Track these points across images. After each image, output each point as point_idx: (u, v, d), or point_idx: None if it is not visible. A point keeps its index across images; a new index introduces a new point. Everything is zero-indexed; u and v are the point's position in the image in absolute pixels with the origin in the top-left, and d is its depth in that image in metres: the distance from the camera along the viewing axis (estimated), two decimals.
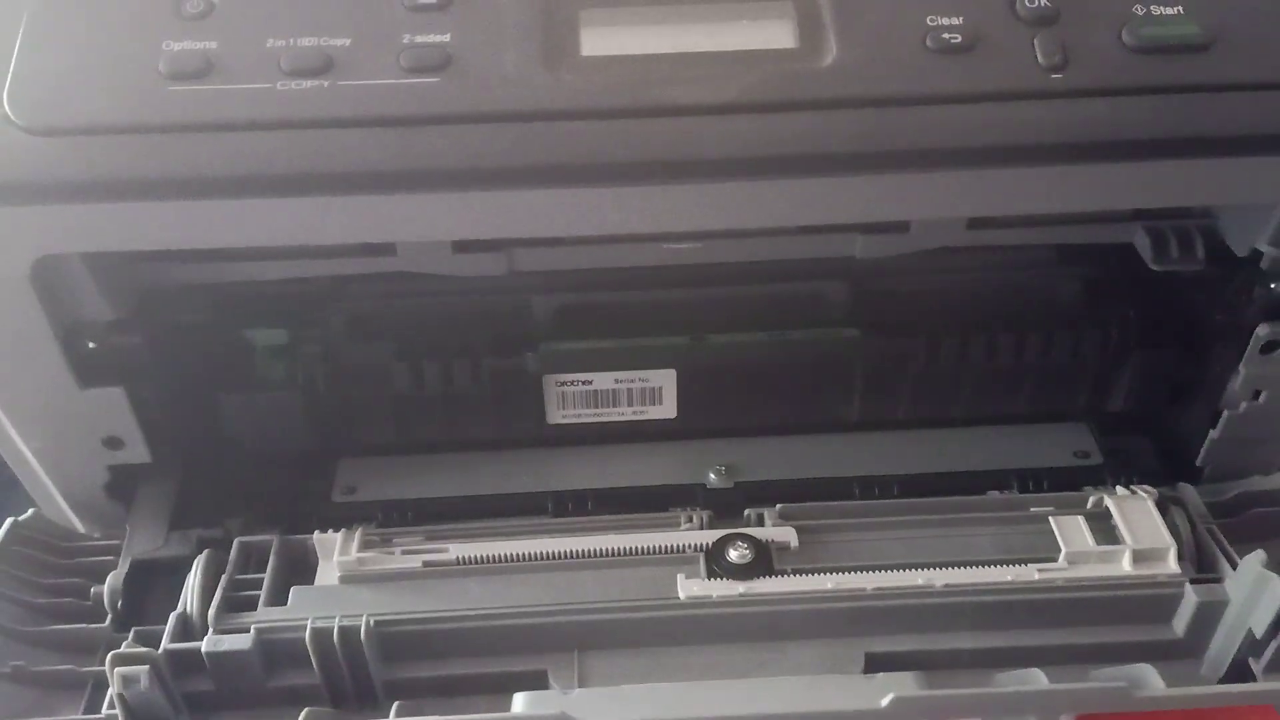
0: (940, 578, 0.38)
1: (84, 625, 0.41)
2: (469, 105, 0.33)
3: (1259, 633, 0.36)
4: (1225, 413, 0.43)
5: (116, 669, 0.36)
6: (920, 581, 0.38)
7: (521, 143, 0.33)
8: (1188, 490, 0.42)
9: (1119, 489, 0.42)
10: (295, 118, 0.33)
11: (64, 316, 0.38)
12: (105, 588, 0.41)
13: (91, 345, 0.40)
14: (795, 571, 0.39)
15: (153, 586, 0.42)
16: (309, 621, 0.37)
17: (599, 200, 0.34)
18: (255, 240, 0.35)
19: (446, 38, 0.34)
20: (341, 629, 0.37)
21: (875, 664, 0.38)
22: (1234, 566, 0.38)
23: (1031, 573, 0.38)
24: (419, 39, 0.34)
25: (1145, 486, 0.41)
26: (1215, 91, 0.33)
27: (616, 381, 0.45)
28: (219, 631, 0.38)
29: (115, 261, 0.37)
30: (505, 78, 0.33)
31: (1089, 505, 0.41)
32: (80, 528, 0.45)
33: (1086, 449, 0.47)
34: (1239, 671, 0.38)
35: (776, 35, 0.34)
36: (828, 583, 0.39)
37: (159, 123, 0.33)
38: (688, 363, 0.45)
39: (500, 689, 0.38)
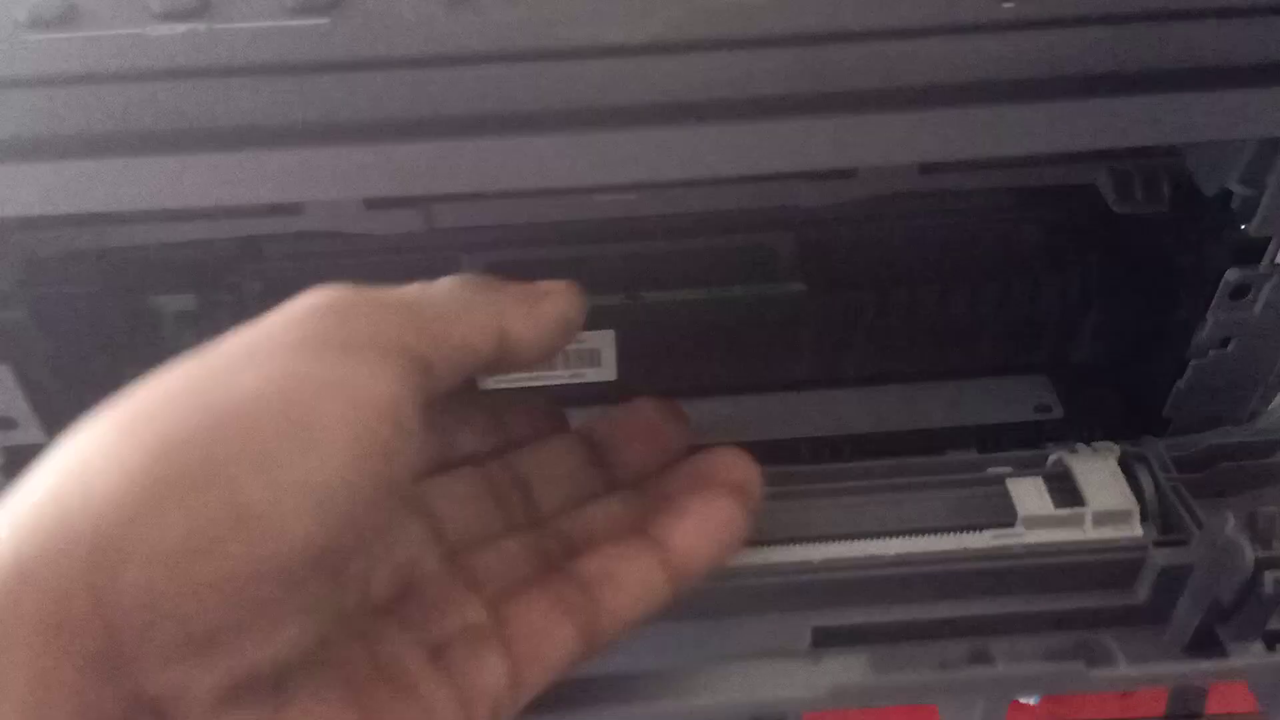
0: (890, 547, 0.36)
1: None
2: (360, 49, 0.30)
3: (1225, 599, 0.34)
4: (1192, 362, 0.40)
5: None
6: (870, 552, 0.36)
7: (419, 90, 0.30)
8: (1153, 444, 0.40)
9: (1080, 446, 0.39)
10: (167, 66, 0.30)
11: None
12: None
13: None
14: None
15: None
16: None
17: (508, 153, 0.31)
18: (131, 204, 0.31)
19: None
20: None
21: (823, 638, 0.36)
22: (1199, 526, 0.36)
23: (986, 539, 0.36)
24: None
25: (1108, 443, 0.39)
26: (1180, 20, 0.30)
27: None
28: None
29: None
30: (401, 17, 0.30)
31: (1048, 465, 0.38)
32: None
33: (1048, 403, 0.45)
34: (1205, 637, 0.36)
35: None
36: (773, 555, 0.36)
37: (16, 76, 0.30)
38: (626, 322, 0.42)
39: None
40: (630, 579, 0.29)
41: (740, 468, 0.32)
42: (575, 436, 0.34)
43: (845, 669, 0.33)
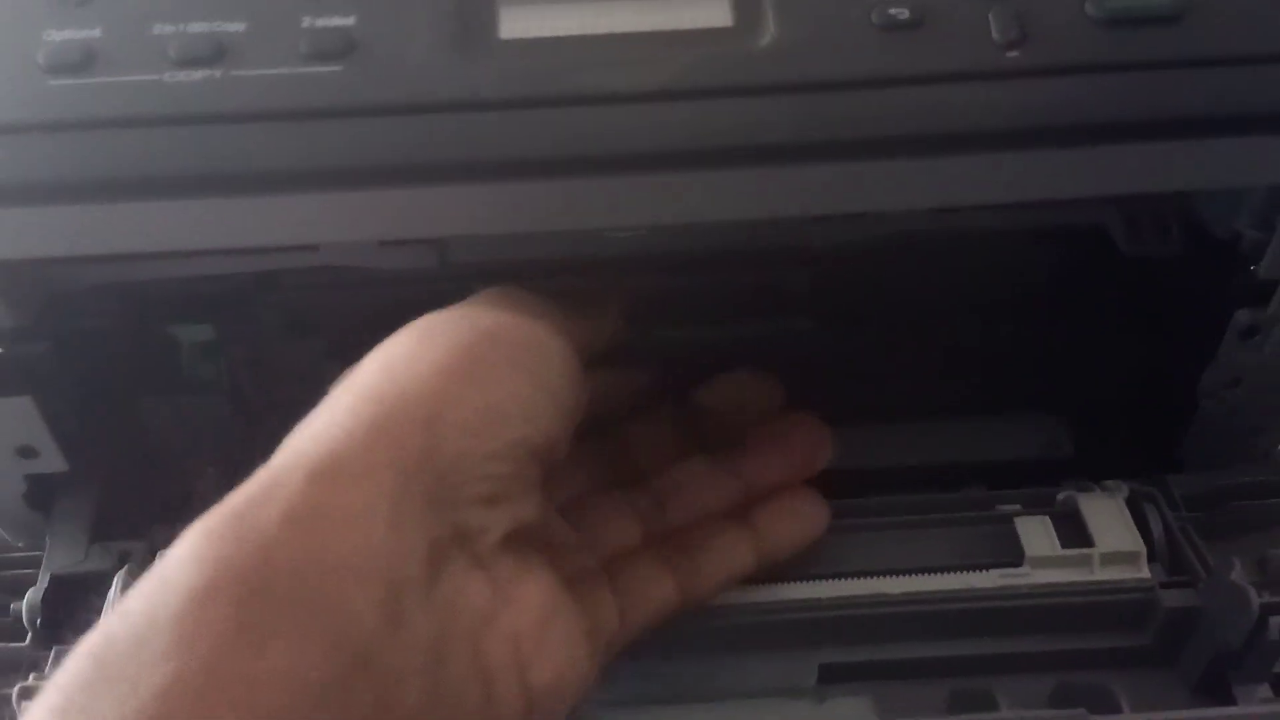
0: (897, 585, 0.36)
1: (4, 644, 0.39)
2: (373, 96, 0.30)
3: (1232, 644, 0.34)
4: (1203, 401, 0.40)
5: (23, 702, 0.34)
6: (877, 590, 0.36)
7: (431, 137, 0.30)
8: (1164, 483, 0.40)
9: (1090, 485, 0.39)
10: (184, 112, 0.30)
11: None
12: (24, 604, 0.39)
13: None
14: (746, 580, 0.37)
15: (77, 601, 0.40)
16: None
17: (517, 197, 0.31)
18: (149, 246, 0.32)
19: (350, 21, 0.31)
20: None
21: (829, 675, 0.36)
22: (1208, 570, 0.36)
23: (993, 579, 0.36)
24: (319, 23, 0.31)
25: (1117, 482, 0.39)
26: (1187, 67, 0.30)
27: None
28: None
29: (10, 267, 0.35)
30: (414, 65, 0.31)
31: (1057, 503, 0.38)
32: (9, 539, 0.43)
33: (1059, 441, 0.45)
34: (1214, 681, 0.36)
35: (711, 13, 0.31)
36: (782, 592, 0.37)
37: (36, 120, 0.30)
38: (634, 357, 0.42)
39: None
40: (725, 552, 0.36)
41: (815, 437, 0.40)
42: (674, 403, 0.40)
43: (850, 711, 0.33)
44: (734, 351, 0.42)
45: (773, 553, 0.36)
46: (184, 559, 0.24)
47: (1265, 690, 0.35)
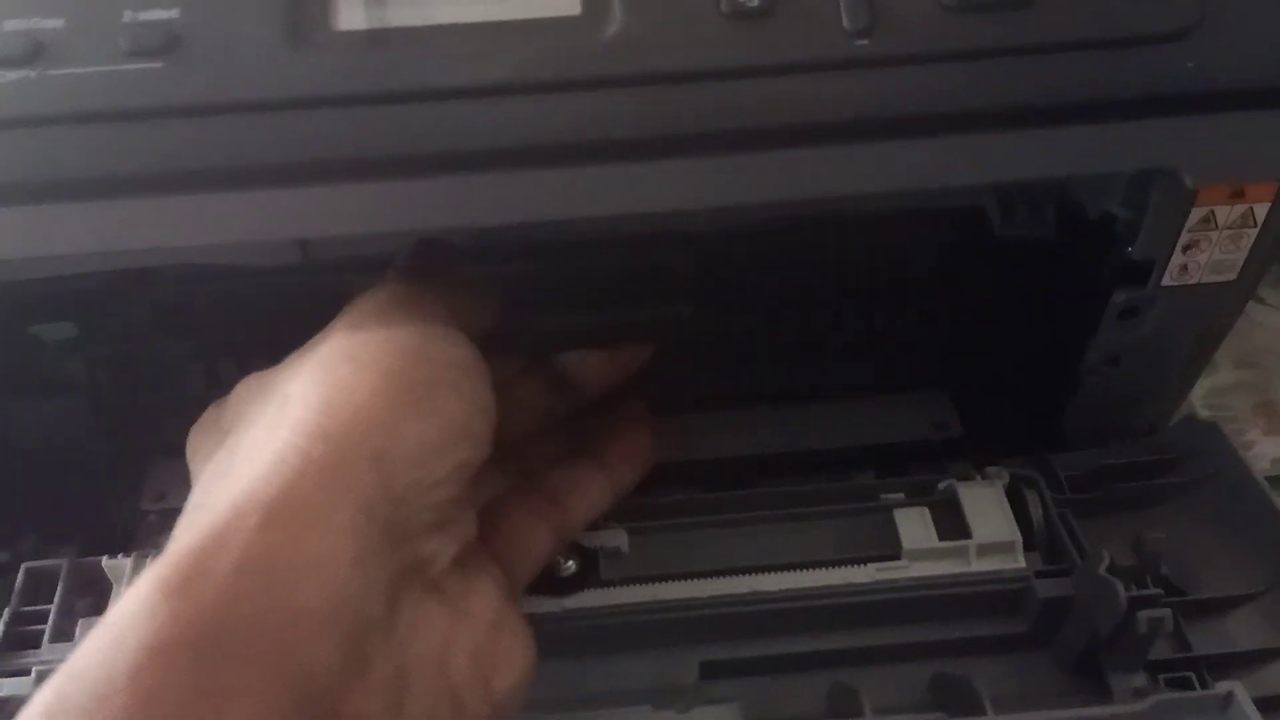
0: (775, 582, 0.36)
1: None
2: (196, 94, 0.29)
3: (1103, 634, 0.34)
4: (1085, 378, 0.40)
5: None
6: (756, 587, 0.36)
7: (257, 137, 0.29)
8: (1047, 464, 0.40)
9: (973, 472, 0.39)
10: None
11: None
12: None
13: None
14: (625, 581, 0.36)
15: None
16: None
17: (358, 197, 0.29)
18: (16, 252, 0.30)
19: (174, 14, 0.29)
20: None
21: (711, 672, 0.36)
22: (1083, 556, 0.36)
23: (870, 573, 0.36)
24: (141, 16, 0.29)
25: (999, 468, 0.39)
26: (1039, 53, 0.29)
27: None
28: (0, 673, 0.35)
29: None
30: (242, 59, 0.29)
31: (938, 492, 0.38)
32: None
33: (948, 420, 0.44)
34: (1087, 664, 0.36)
35: (558, 1, 0.30)
36: (661, 592, 0.36)
37: None
38: (515, 345, 0.41)
39: None
40: (588, 488, 0.36)
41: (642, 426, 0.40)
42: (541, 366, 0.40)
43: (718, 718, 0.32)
44: (615, 338, 0.41)
45: (621, 484, 0.38)
46: (137, 613, 0.23)
47: (1140, 678, 0.35)
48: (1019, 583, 0.36)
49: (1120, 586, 0.32)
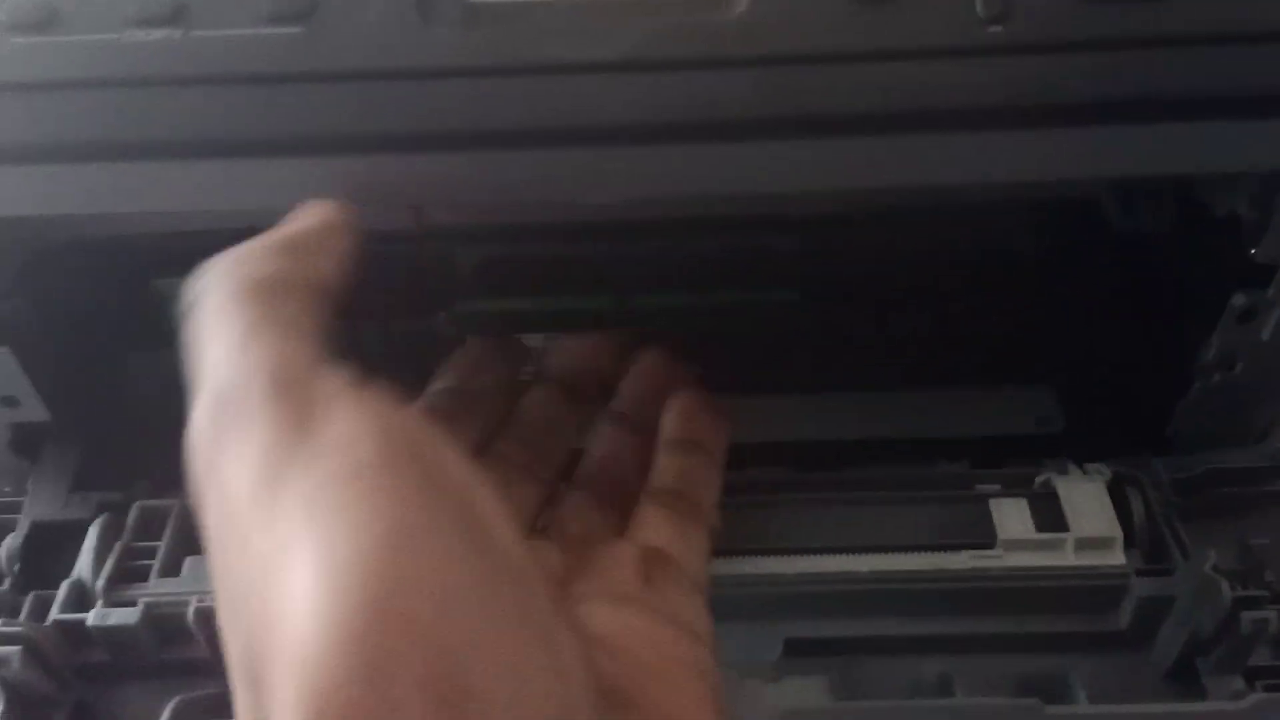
0: (866, 563, 0.36)
1: None
2: (334, 60, 0.29)
3: (1204, 634, 0.33)
4: (1197, 382, 0.39)
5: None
6: (846, 567, 0.36)
7: (389, 105, 0.29)
8: (1149, 466, 0.39)
9: (1072, 467, 0.38)
10: (142, 73, 0.30)
11: None
12: (3, 549, 0.40)
13: None
14: (715, 554, 0.37)
15: (58, 548, 0.40)
16: (193, 600, 0.36)
17: (480, 166, 0.30)
18: (113, 208, 0.32)
19: None
20: None
21: (795, 649, 0.36)
22: (1186, 557, 0.35)
23: (964, 560, 0.36)
24: None
25: (1100, 465, 0.38)
26: (1176, 46, 0.28)
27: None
28: (109, 603, 0.37)
29: None
30: (374, 29, 0.30)
31: (1036, 485, 0.38)
32: None
33: (1050, 415, 0.44)
34: (1184, 668, 0.35)
35: None
36: (748, 566, 0.36)
37: (2, 80, 0.30)
38: (614, 325, 0.42)
39: None
40: (703, 476, 0.34)
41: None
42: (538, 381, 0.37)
43: (803, 692, 0.33)
44: (717, 320, 0.41)
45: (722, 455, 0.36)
46: None
47: (1238, 682, 0.34)
48: (1118, 579, 0.35)
49: (1226, 585, 0.32)
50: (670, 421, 0.35)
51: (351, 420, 0.22)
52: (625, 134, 0.30)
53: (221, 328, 0.24)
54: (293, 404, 0.22)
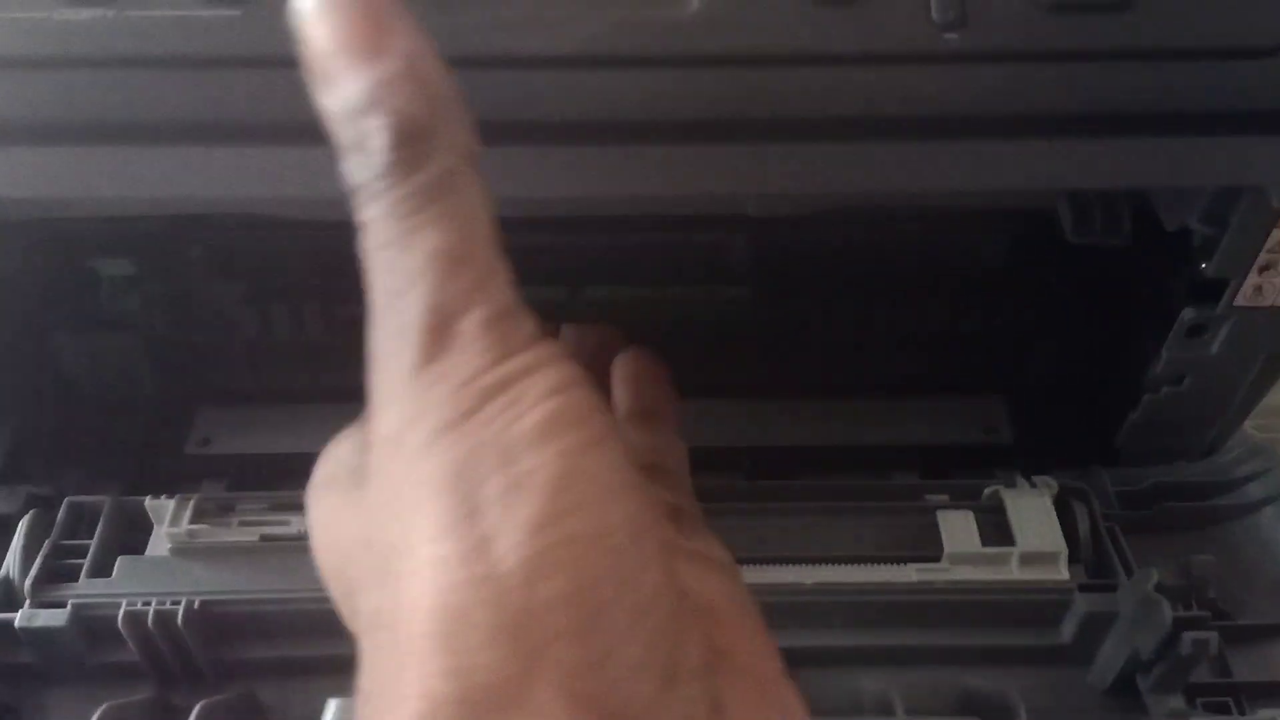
0: (812, 575, 0.36)
1: None
2: (273, 44, 0.28)
3: (1144, 654, 0.33)
4: (1146, 395, 0.39)
5: None
6: (790, 579, 0.36)
7: None
8: (1098, 477, 0.39)
9: (1021, 480, 0.38)
10: (71, 54, 0.28)
11: None
12: None
13: None
14: None
15: None
16: (123, 603, 0.34)
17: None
18: (46, 191, 0.30)
19: None
20: (158, 612, 0.34)
21: None
22: (1130, 573, 0.35)
23: (910, 573, 0.36)
24: None
25: (1048, 478, 0.38)
26: (1135, 59, 0.28)
27: None
28: (36, 604, 0.36)
29: None
30: None
31: (984, 497, 0.38)
32: None
33: (997, 425, 0.44)
34: (1126, 685, 0.35)
35: None
36: None
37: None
38: (563, 317, 0.41)
39: (337, 671, 0.36)
40: (672, 446, 0.31)
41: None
42: None
43: None
44: (666, 315, 0.41)
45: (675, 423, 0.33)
46: None
47: (1178, 700, 0.34)
48: (1061, 594, 0.35)
49: (1167, 605, 0.32)
50: (621, 391, 0.33)
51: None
52: (575, 131, 0.29)
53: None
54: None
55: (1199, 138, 0.29)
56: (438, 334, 0.21)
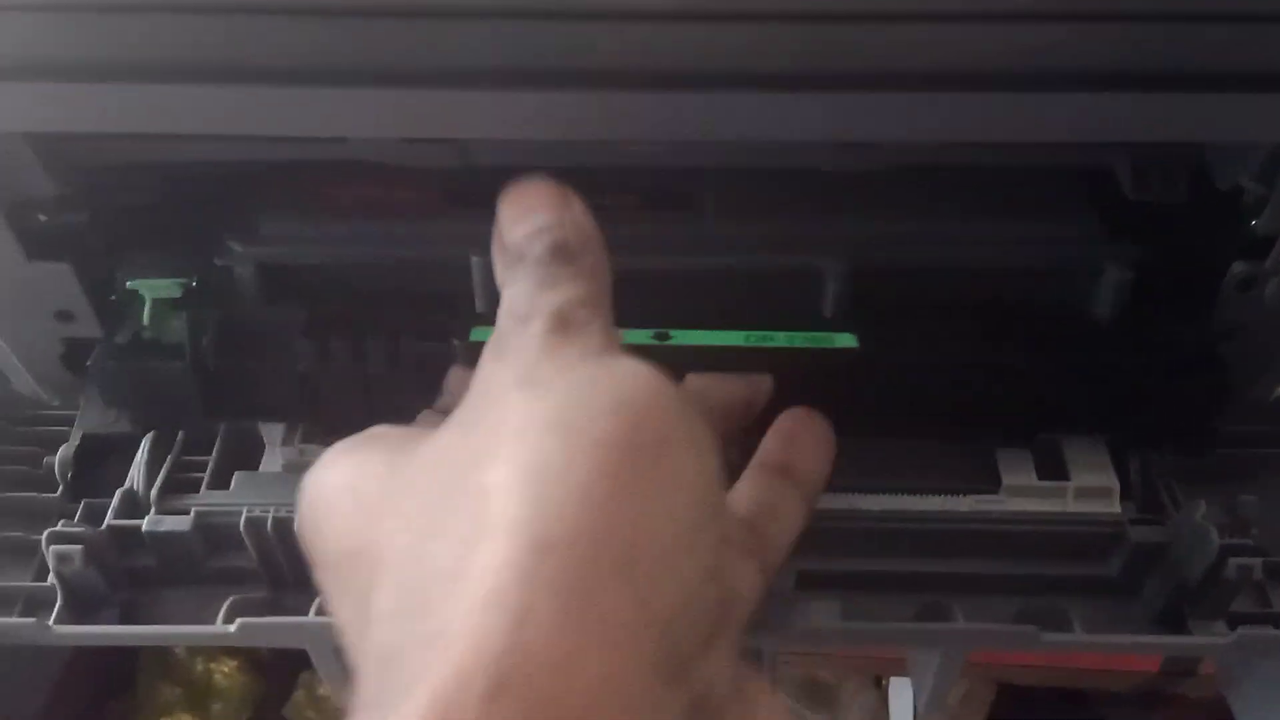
0: (875, 503, 0.38)
1: (35, 494, 0.42)
2: None
3: (1192, 580, 0.36)
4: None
5: (52, 547, 0.37)
6: (856, 505, 0.38)
7: (441, 38, 0.31)
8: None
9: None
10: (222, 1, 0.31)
11: (10, 190, 0.38)
12: (56, 459, 0.42)
13: (42, 218, 0.40)
14: None
15: (108, 459, 0.42)
16: (243, 510, 0.38)
17: (523, 105, 0.32)
18: (173, 128, 0.33)
19: None
20: (276, 519, 0.38)
21: (806, 582, 0.38)
22: (1178, 509, 0.37)
23: (968, 503, 0.38)
24: None
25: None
26: (1199, 20, 0.30)
27: None
28: (161, 511, 0.39)
29: (53, 140, 0.36)
30: None
31: (1039, 439, 0.40)
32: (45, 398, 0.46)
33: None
34: (1172, 614, 0.37)
35: None
36: None
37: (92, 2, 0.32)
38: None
39: None
40: (784, 509, 0.31)
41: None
42: None
43: (818, 614, 0.35)
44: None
45: (817, 491, 0.33)
46: None
47: (1221, 626, 0.36)
48: (1113, 527, 0.37)
49: (1214, 531, 0.34)
50: (771, 440, 0.33)
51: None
52: (664, 81, 0.31)
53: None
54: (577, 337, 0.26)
55: (1257, 94, 0.31)
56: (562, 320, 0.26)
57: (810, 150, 0.38)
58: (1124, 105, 0.32)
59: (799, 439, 0.33)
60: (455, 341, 0.38)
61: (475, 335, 0.38)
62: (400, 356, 0.39)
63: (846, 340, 0.38)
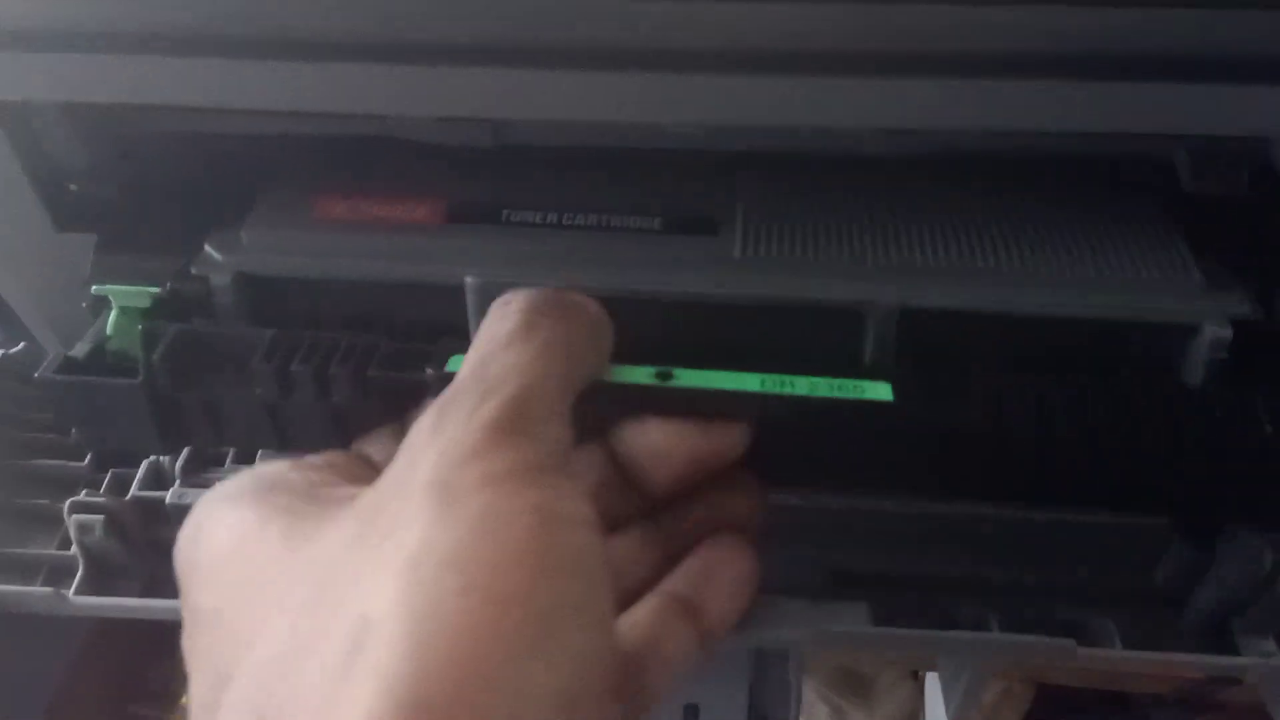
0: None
1: (63, 463, 0.42)
2: None
3: (1241, 594, 0.34)
4: None
5: (74, 516, 0.36)
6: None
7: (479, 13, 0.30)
8: None
9: None
10: None
11: (41, 159, 0.38)
12: None
13: (73, 188, 0.39)
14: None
15: None
16: None
17: (561, 84, 0.31)
18: (204, 101, 0.33)
19: None
20: None
21: (835, 579, 0.37)
22: None
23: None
24: None
25: None
26: (1258, 7, 0.29)
27: None
28: (186, 484, 0.39)
29: (85, 111, 0.36)
30: None
31: None
32: None
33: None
34: (1218, 627, 0.36)
35: None
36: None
37: None
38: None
39: None
40: (673, 652, 0.28)
41: (747, 505, 0.32)
42: (601, 452, 0.31)
43: (846, 617, 0.34)
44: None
45: (716, 636, 0.30)
46: None
47: (1269, 644, 0.35)
48: (1161, 535, 0.36)
49: (1268, 548, 0.32)
50: (685, 572, 0.30)
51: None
52: (707, 62, 0.30)
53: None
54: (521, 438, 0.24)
55: None
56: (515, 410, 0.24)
57: (859, 137, 0.36)
58: (1186, 96, 0.30)
59: (716, 578, 0.30)
60: (429, 371, 0.33)
61: (452, 365, 0.33)
62: (368, 385, 0.33)
63: (881, 392, 0.32)
